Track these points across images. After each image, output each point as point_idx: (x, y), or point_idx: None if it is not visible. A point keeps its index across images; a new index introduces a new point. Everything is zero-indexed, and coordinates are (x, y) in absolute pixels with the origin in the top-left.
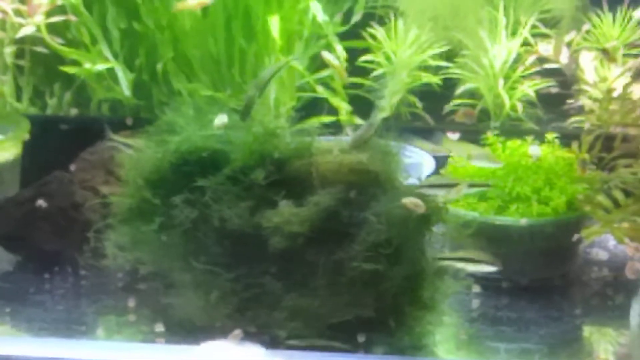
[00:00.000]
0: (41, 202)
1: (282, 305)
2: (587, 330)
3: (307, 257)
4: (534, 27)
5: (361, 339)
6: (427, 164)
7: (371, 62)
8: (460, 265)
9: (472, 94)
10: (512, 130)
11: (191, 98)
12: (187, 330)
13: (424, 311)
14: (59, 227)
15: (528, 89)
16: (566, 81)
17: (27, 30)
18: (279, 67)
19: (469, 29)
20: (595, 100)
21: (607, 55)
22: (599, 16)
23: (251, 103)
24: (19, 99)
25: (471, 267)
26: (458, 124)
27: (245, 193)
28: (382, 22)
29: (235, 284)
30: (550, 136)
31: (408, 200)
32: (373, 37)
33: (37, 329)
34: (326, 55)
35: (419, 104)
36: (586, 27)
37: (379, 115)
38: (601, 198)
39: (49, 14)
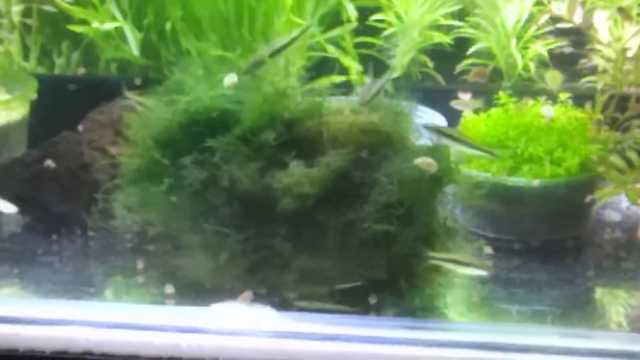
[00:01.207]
0: (49, 163)
1: (292, 267)
2: (599, 292)
3: (318, 218)
4: None
5: (372, 300)
6: (439, 124)
7: (382, 21)
8: (450, 266)
9: (484, 54)
10: (524, 90)
11: (200, 58)
12: (197, 292)
13: (435, 273)
14: (67, 187)
15: (541, 48)
16: (579, 41)
17: None
18: (299, 33)
19: None
20: (608, 60)
21: (624, 14)
22: None
23: (259, 61)
24: (26, 58)
25: (461, 270)
26: (470, 83)
27: (255, 154)
28: None
29: (245, 245)
30: (563, 96)
31: (420, 160)
32: None
33: (46, 291)
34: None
35: (430, 64)
36: None
37: (387, 74)
38: (615, 159)
39: None
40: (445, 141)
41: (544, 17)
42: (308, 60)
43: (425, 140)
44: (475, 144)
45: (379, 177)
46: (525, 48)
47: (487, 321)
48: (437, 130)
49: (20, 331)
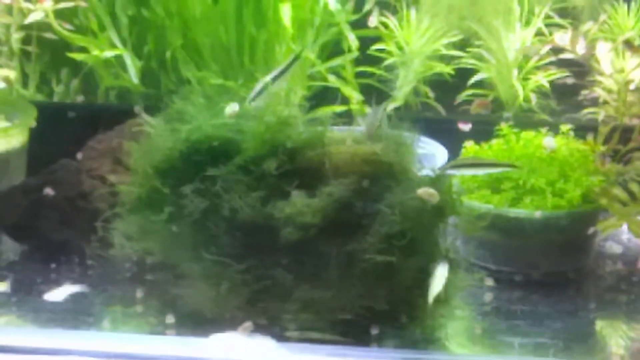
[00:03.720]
0: (48, 191)
1: (293, 297)
2: (601, 325)
3: (320, 248)
4: (548, 17)
5: (374, 331)
6: (440, 155)
7: (383, 50)
8: None
9: (484, 84)
10: (525, 121)
11: (200, 86)
12: (197, 322)
13: (436, 304)
14: (66, 216)
15: (542, 79)
16: (579, 72)
17: (36, 16)
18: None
19: (484, 18)
20: (610, 91)
21: (630, 47)
22: (613, 7)
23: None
24: (25, 85)
25: None
26: (470, 114)
27: (257, 183)
28: (394, 10)
29: (245, 275)
30: (564, 128)
31: (422, 191)
32: (385, 25)
33: (44, 320)
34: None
35: (431, 94)
36: (603, 17)
37: (383, 104)
38: (617, 191)
39: None
40: (465, 171)
41: (546, 48)
42: (309, 89)
43: (427, 171)
44: (495, 162)
45: (381, 207)
46: (526, 79)
47: (489, 353)
48: (453, 166)
49: None
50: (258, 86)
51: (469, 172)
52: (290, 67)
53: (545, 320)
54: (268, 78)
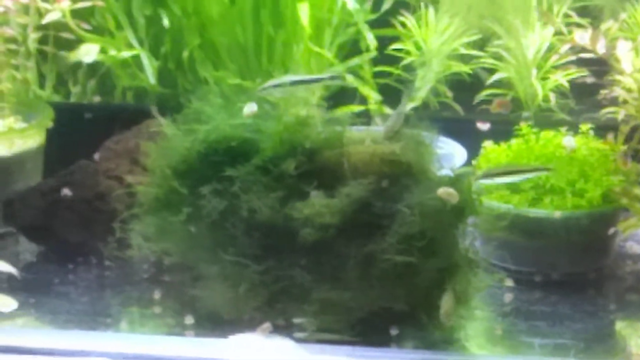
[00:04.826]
0: (65, 192)
1: (312, 298)
2: (621, 326)
3: (338, 249)
4: (567, 16)
5: (393, 332)
6: (459, 155)
7: (401, 50)
8: None
9: (503, 84)
10: (544, 120)
11: (217, 86)
12: (215, 323)
13: (456, 305)
14: (83, 217)
15: (561, 78)
16: (598, 71)
17: (53, 16)
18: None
19: (503, 17)
20: (630, 90)
21: None
22: (633, 5)
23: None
24: (42, 86)
25: None
26: (489, 113)
27: (275, 183)
28: (413, 10)
29: (264, 276)
30: (584, 127)
31: (442, 191)
32: (403, 25)
33: (62, 321)
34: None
35: (449, 94)
36: (623, 16)
37: (406, 103)
38: (638, 191)
39: None
40: (499, 180)
41: (565, 47)
42: (327, 89)
43: (446, 170)
44: (529, 167)
45: (400, 207)
46: (544, 78)
47: (509, 354)
48: (486, 174)
49: None
50: (275, 81)
51: (503, 180)
52: (321, 81)
53: (565, 321)
54: (294, 79)
